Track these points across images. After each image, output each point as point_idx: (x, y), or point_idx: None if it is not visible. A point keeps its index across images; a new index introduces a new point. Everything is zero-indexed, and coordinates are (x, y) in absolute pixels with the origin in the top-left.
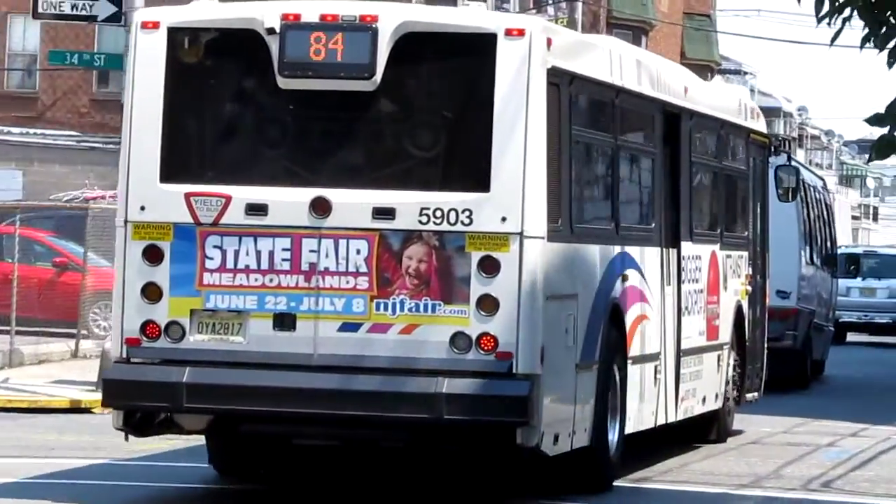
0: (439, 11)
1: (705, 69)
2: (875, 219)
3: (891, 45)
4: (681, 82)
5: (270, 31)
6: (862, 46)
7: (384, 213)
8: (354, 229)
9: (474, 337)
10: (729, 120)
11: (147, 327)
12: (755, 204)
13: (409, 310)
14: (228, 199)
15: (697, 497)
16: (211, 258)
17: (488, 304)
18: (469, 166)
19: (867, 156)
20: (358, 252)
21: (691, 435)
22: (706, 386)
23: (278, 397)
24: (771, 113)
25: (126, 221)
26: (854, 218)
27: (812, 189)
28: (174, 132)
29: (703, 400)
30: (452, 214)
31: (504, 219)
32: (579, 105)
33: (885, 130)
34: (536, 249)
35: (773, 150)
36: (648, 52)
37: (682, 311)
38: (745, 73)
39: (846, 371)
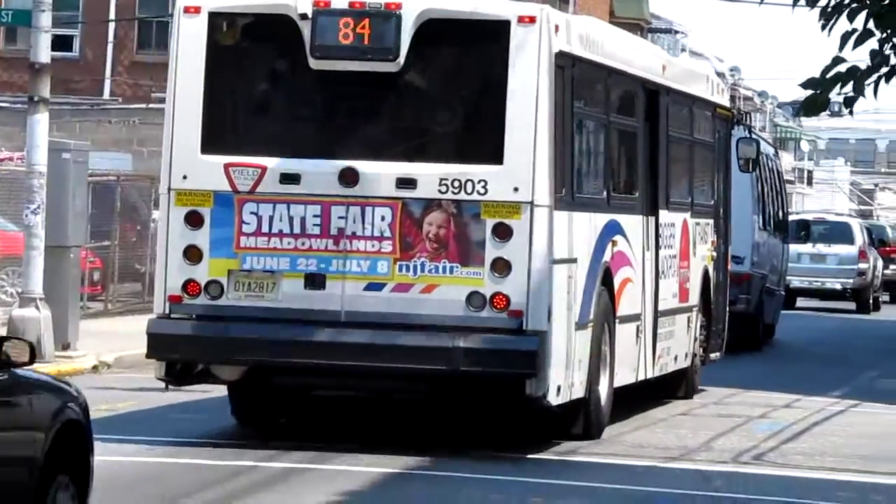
0: (458, 0)
1: (635, 28)
2: (810, 183)
3: (822, 2)
4: (659, 60)
5: (303, 16)
6: (794, 4)
7: (407, 182)
8: (380, 198)
9: (488, 296)
10: (699, 95)
11: (188, 286)
12: (719, 174)
13: (429, 271)
14: (264, 169)
15: (625, 470)
16: (247, 223)
17: (501, 267)
18: (484, 141)
19: (800, 117)
20: (383, 218)
21: (661, 391)
22: (678, 345)
23: (309, 350)
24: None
25: (170, 189)
26: (788, 182)
27: (765, 157)
28: (214, 108)
29: (676, 358)
30: (469, 185)
31: (516, 189)
32: (579, 85)
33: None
34: (545, 217)
35: (735, 122)
36: (627, 33)
37: (660, 275)
38: (676, 32)
39: (796, 336)
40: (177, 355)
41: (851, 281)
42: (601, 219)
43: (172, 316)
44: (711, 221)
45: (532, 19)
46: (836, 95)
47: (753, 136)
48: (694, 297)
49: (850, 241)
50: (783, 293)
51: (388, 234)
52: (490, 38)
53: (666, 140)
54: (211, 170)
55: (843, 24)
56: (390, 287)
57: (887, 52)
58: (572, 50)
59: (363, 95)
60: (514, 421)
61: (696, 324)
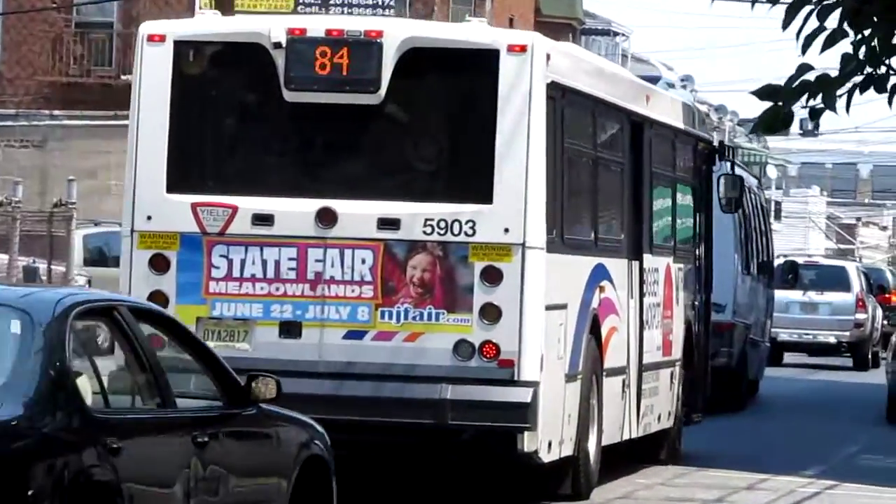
0: (443, 27)
1: (566, 29)
2: (778, 217)
3: None
4: (643, 90)
5: (277, 44)
6: (753, 3)
7: (389, 223)
8: (360, 239)
9: (477, 344)
10: (681, 128)
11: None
12: (700, 214)
13: (413, 318)
14: (235, 209)
15: None
16: (217, 267)
17: (491, 313)
18: (472, 178)
19: (759, 136)
20: (363, 261)
21: (641, 454)
22: (661, 403)
23: (284, 403)
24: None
25: (132, 231)
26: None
27: (747, 190)
28: (180, 143)
29: (659, 418)
30: (456, 225)
31: (507, 230)
32: (569, 118)
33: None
34: (537, 260)
35: (717, 156)
36: (606, 61)
37: (644, 324)
38: (616, 34)
39: (782, 393)
40: None
41: (848, 334)
42: (589, 262)
43: None
44: (692, 266)
45: (523, 48)
46: (799, 108)
47: (737, 171)
48: (677, 351)
49: (846, 287)
50: (768, 345)
51: (368, 278)
52: (478, 68)
53: (650, 176)
54: (177, 210)
55: (809, 25)
56: (371, 335)
57: (863, 56)
58: (562, 80)
59: (342, 130)
60: (495, 480)
61: (679, 380)
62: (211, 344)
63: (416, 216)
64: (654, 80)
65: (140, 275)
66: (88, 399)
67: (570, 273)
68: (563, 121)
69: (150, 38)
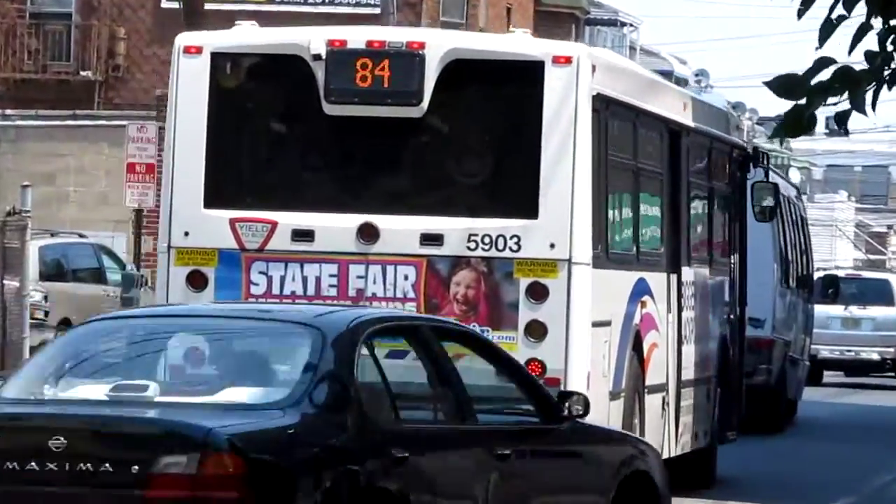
0: (486, 38)
1: (568, 19)
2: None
3: None
4: (680, 98)
5: (317, 56)
6: None
7: (432, 239)
8: (402, 255)
9: (522, 362)
10: (718, 134)
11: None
12: (734, 224)
13: None
14: (274, 224)
15: None
16: (256, 284)
17: (536, 330)
18: (517, 193)
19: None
20: (406, 278)
21: (677, 475)
22: (699, 421)
23: None
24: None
25: (169, 247)
26: None
27: (786, 201)
28: (218, 157)
29: (696, 436)
30: (501, 240)
31: (552, 245)
32: (612, 130)
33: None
34: (584, 276)
35: (751, 163)
36: (641, 67)
37: (682, 339)
38: (623, 25)
39: (821, 414)
40: None
41: (892, 350)
42: (631, 277)
43: None
44: (728, 279)
45: (568, 59)
46: (823, 109)
47: (772, 178)
48: (713, 366)
49: (890, 301)
50: (808, 363)
51: (411, 294)
52: (522, 80)
53: (687, 187)
54: (215, 226)
55: (827, 13)
56: (415, 354)
57: (890, 48)
58: (606, 91)
59: (383, 143)
60: None
61: (716, 397)
62: None
63: (460, 231)
64: (665, 74)
65: (177, 291)
66: (377, 411)
67: (614, 288)
68: (606, 133)
69: (187, 50)
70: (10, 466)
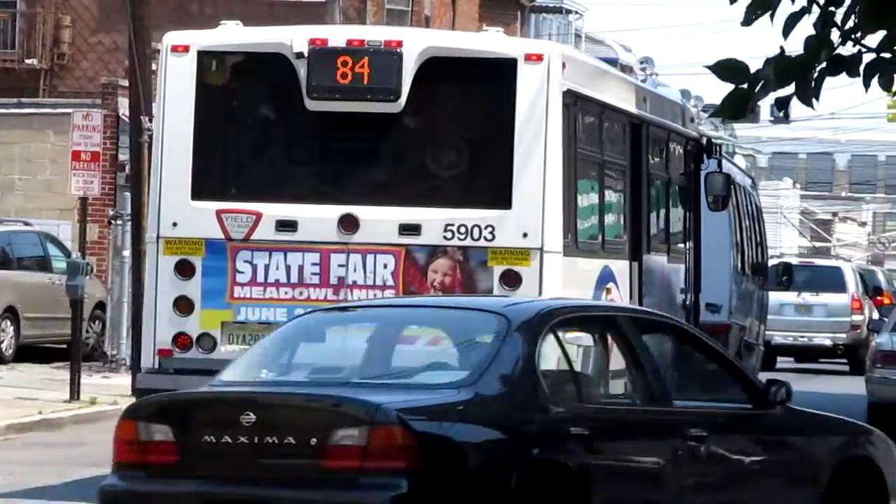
0: (462, 37)
1: (513, 6)
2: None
3: None
4: (640, 92)
5: (299, 55)
6: None
7: (410, 228)
8: (381, 244)
9: None
10: (674, 127)
11: (179, 338)
12: (689, 212)
13: None
14: (259, 215)
15: None
16: (242, 272)
17: None
18: (491, 184)
19: (720, 121)
20: (385, 266)
21: None
22: None
23: None
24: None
25: (158, 237)
26: None
27: (741, 190)
28: (204, 152)
29: None
30: (476, 230)
31: (525, 234)
32: (580, 124)
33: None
34: (555, 263)
35: (705, 154)
36: (602, 62)
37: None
38: (569, 13)
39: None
40: None
41: (844, 336)
42: (598, 265)
43: (163, 371)
44: (683, 266)
45: (539, 57)
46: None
47: (728, 168)
48: None
49: (842, 288)
50: (762, 348)
51: (390, 282)
52: (496, 76)
53: (647, 177)
54: (202, 217)
55: (783, 8)
56: None
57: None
58: (575, 87)
59: (363, 137)
60: None
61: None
62: (235, 348)
63: (437, 221)
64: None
65: (166, 280)
66: (557, 393)
67: (582, 276)
68: (575, 127)
69: (174, 49)
70: (208, 439)
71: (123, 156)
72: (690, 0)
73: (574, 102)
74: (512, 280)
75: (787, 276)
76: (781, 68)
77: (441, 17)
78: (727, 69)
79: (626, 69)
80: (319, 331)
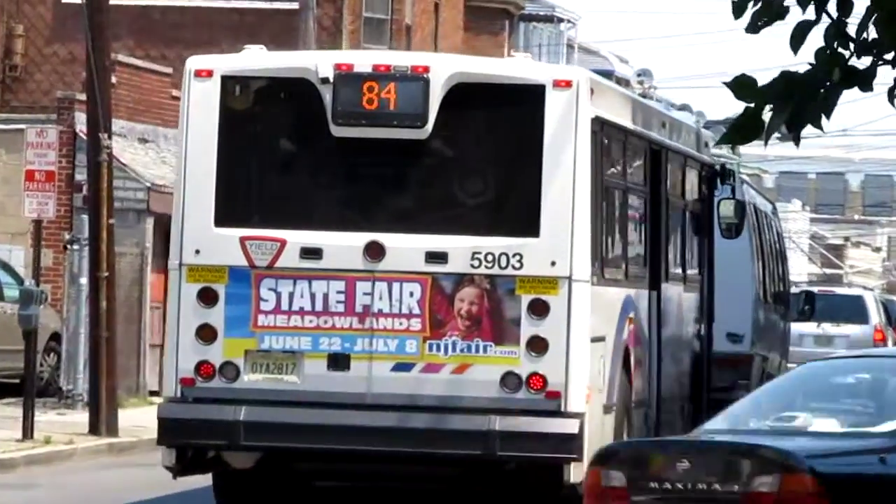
0: (489, 63)
1: (500, 15)
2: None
3: None
4: (660, 117)
5: (324, 80)
6: None
7: (437, 256)
8: (408, 273)
9: (524, 376)
10: (690, 153)
11: (202, 367)
12: (703, 240)
13: (461, 350)
14: (283, 242)
15: None
16: (265, 300)
17: (538, 345)
18: (519, 212)
19: (728, 141)
20: (411, 294)
21: None
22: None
23: (333, 435)
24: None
25: (181, 264)
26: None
27: (763, 216)
28: (228, 178)
29: None
30: (503, 258)
31: (553, 263)
32: (606, 151)
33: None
34: (583, 292)
35: (719, 180)
36: (629, 91)
37: (661, 356)
38: (560, 21)
39: None
40: (190, 441)
41: None
42: (621, 294)
43: (185, 400)
44: (698, 294)
45: (568, 83)
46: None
47: (738, 196)
48: (686, 382)
49: (864, 318)
50: None
51: (416, 311)
52: (524, 103)
53: (666, 205)
54: (226, 244)
55: (792, 16)
56: (420, 367)
57: (841, 48)
58: (602, 113)
59: (389, 164)
60: None
61: (689, 413)
62: (259, 377)
63: (464, 249)
64: (606, 74)
65: (189, 308)
66: None
67: (608, 305)
68: (601, 154)
69: (198, 74)
70: (651, 485)
71: (80, 175)
72: (690, 8)
73: (601, 129)
74: (540, 309)
75: (809, 306)
76: (789, 85)
77: (423, 25)
78: (746, 87)
79: (623, 82)
80: (817, 379)
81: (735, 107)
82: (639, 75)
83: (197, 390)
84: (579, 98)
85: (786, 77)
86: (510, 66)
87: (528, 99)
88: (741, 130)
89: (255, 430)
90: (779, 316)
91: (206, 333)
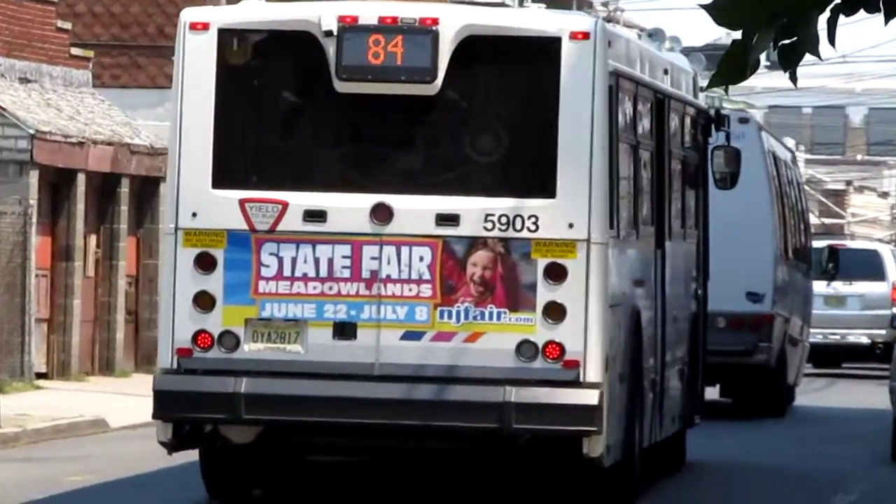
0: (502, 14)
1: None
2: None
3: None
4: (662, 63)
5: (328, 33)
6: None
7: (448, 219)
8: (417, 236)
9: (541, 345)
10: (689, 100)
11: (199, 336)
12: (699, 193)
13: (474, 318)
14: (285, 205)
15: None
16: (267, 266)
17: (555, 312)
18: (534, 172)
19: (719, 83)
20: (421, 259)
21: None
22: (674, 404)
23: (339, 408)
24: (559, 1)
25: (177, 228)
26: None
27: (782, 164)
28: (226, 137)
29: (673, 420)
30: (518, 220)
31: (571, 225)
32: (621, 105)
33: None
34: (602, 255)
35: (714, 127)
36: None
37: (665, 319)
38: None
39: (817, 403)
40: (187, 415)
41: (884, 332)
42: (633, 255)
43: (182, 371)
44: (695, 251)
45: (585, 35)
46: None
47: (766, 141)
48: (686, 346)
49: (880, 275)
50: (808, 345)
51: (427, 276)
52: (539, 56)
53: (669, 158)
54: (224, 206)
55: None
56: (430, 336)
57: None
58: (618, 66)
59: (396, 121)
60: (544, 486)
61: (687, 378)
62: (260, 346)
63: (476, 211)
64: None
65: (185, 274)
66: None
67: (622, 268)
68: (616, 108)
69: (193, 27)
70: None
71: None
72: None
73: (616, 82)
74: (557, 273)
75: (833, 263)
76: (782, 8)
77: None
78: (731, 11)
79: (584, 3)
80: None
81: (715, 32)
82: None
83: (194, 361)
84: (596, 50)
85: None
86: (524, 18)
87: (544, 52)
88: (732, 69)
89: (258, 403)
90: (801, 274)
91: (203, 301)
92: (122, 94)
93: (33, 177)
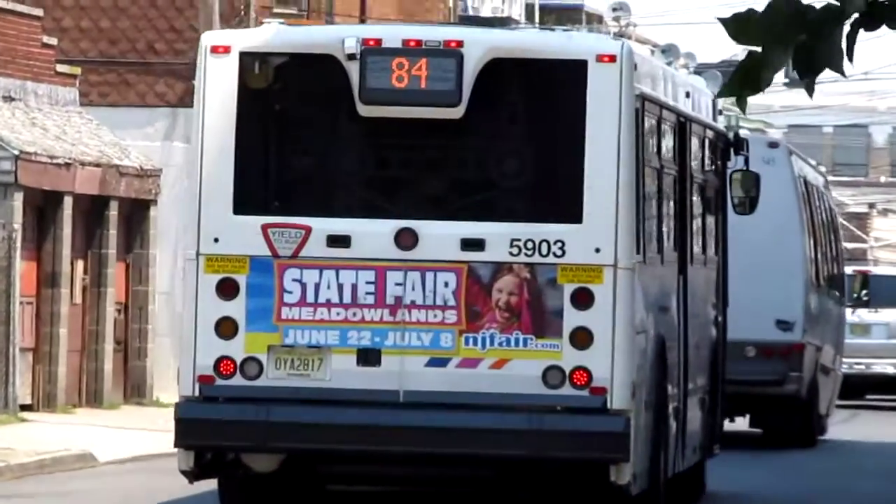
0: (527, 37)
1: None
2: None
3: None
4: (684, 86)
5: (351, 56)
6: None
7: (473, 244)
8: (442, 262)
9: (568, 371)
10: (709, 123)
11: (221, 364)
12: (719, 218)
13: (500, 344)
14: (308, 230)
15: None
16: (290, 292)
17: (582, 338)
18: (560, 196)
19: (730, 93)
20: (446, 285)
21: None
22: (696, 433)
23: (363, 435)
24: (569, 16)
25: (198, 254)
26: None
27: (813, 189)
28: (248, 161)
29: (694, 450)
30: (544, 245)
31: (598, 250)
32: (646, 129)
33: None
34: (629, 281)
35: (733, 151)
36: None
37: (688, 345)
38: None
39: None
40: (211, 443)
41: None
42: (658, 281)
43: (203, 398)
44: (715, 277)
45: (612, 58)
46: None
47: (797, 166)
48: (706, 374)
49: None
50: (841, 374)
51: (452, 302)
52: (565, 79)
53: (691, 182)
54: (246, 232)
55: None
56: (455, 362)
57: None
58: (644, 89)
59: (421, 146)
60: None
61: (707, 407)
62: (283, 373)
63: (502, 236)
64: (574, 9)
65: (207, 301)
66: None
67: (648, 294)
68: (643, 132)
69: (214, 50)
70: None
71: None
72: None
73: (642, 105)
74: (584, 299)
75: (866, 290)
76: (797, 17)
77: (349, 6)
78: (747, 25)
79: (595, 17)
80: None
81: (731, 48)
82: (614, 10)
83: (216, 388)
84: (623, 73)
85: (793, 5)
86: (549, 41)
87: (570, 75)
88: (747, 80)
89: (283, 431)
90: (833, 301)
91: (226, 328)
92: (111, 112)
93: (18, 199)
